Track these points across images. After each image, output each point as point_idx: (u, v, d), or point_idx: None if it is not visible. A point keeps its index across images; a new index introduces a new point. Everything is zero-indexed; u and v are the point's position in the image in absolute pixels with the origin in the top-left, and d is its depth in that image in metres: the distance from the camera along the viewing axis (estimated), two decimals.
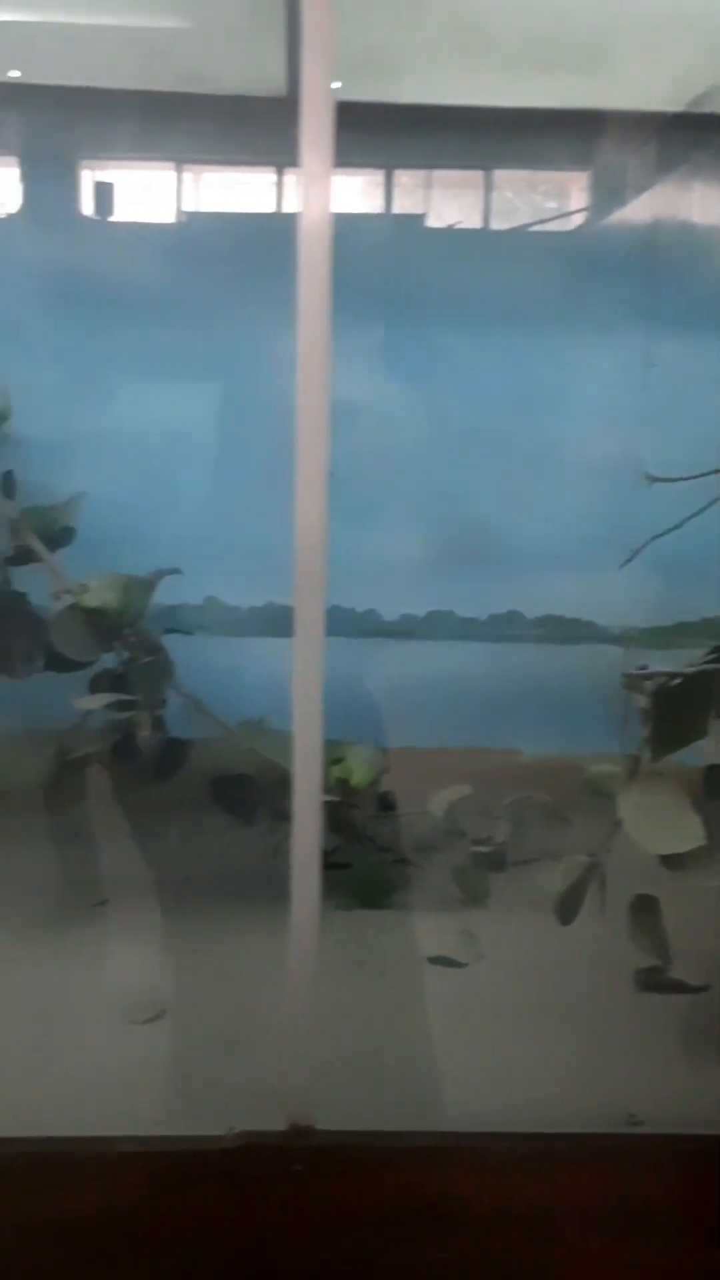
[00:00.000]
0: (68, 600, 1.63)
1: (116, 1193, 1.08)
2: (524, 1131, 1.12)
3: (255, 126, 1.91)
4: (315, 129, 0.97)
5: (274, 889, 1.72)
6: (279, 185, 2.01)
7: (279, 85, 1.90)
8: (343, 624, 1.87)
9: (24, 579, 1.72)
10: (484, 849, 1.69)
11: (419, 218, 2.10)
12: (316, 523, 1.02)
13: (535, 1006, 1.40)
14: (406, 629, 1.97)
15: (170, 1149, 1.09)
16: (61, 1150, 1.07)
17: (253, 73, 1.91)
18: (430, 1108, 1.20)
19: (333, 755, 1.68)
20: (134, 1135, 1.09)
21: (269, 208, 2.02)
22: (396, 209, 2.06)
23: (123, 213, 1.97)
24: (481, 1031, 1.35)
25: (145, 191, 2.04)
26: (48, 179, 1.95)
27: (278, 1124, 1.11)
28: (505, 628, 1.98)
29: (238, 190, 2.13)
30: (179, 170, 2.01)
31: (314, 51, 0.98)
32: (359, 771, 1.65)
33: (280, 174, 2.02)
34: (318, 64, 0.97)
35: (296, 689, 1.04)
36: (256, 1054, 1.27)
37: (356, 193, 2.04)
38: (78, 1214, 1.07)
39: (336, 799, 1.69)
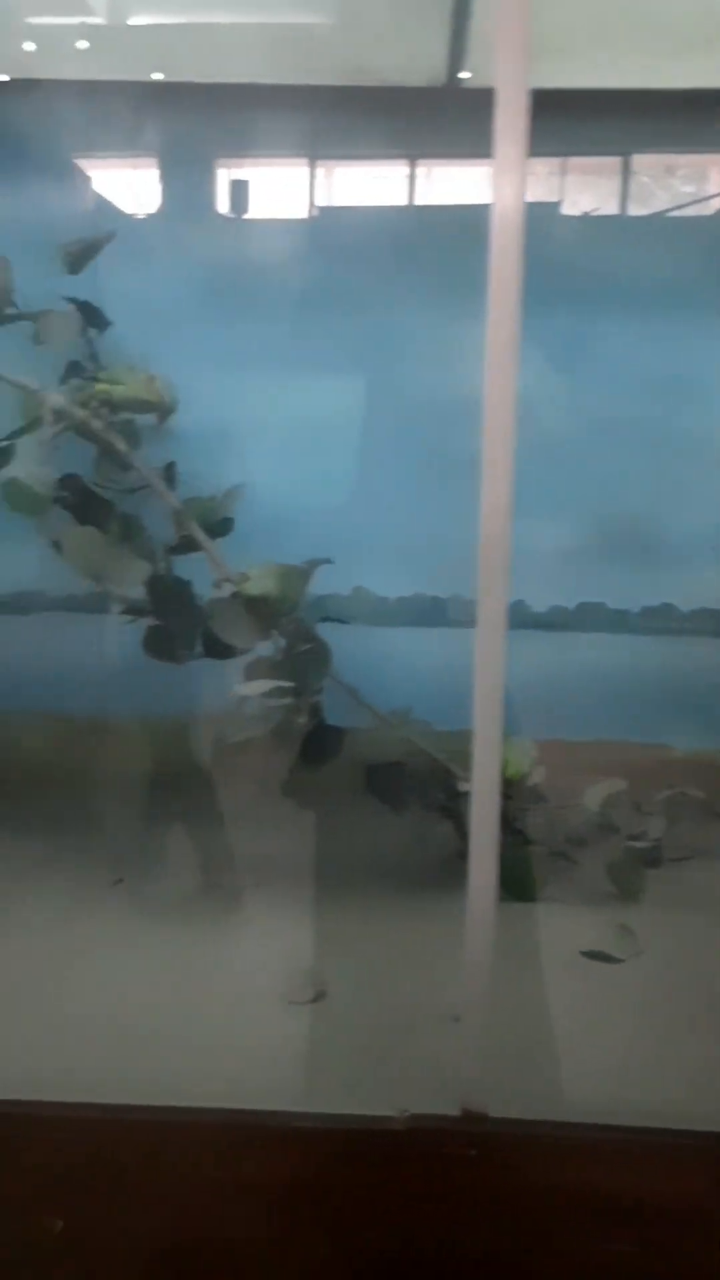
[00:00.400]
0: (228, 588, 1.67)
1: (295, 1165, 1.11)
2: (696, 1130, 1.11)
3: (411, 117, 1.92)
4: (509, 119, 0.97)
5: (424, 876, 1.75)
6: (434, 177, 2.01)
7: (438, 75, 1.91)
8: None
9: (180, 567, 1.77)
10: (640, 844, 1.67)
11: (553, 205, 2.07)
12: (501, 516, 1.02)
13: (701, 1003, 1.38)
14: (557, 621, 1.96)
15: (343, 1126, 1.12)
16: (249, 1122, 1.10)
17: (408, 63, 1.92)
18: (599, 1100, 1.19)
19: None
20: (312, 1112, 1.12)
21: (425, 200, 2.01)
22: (532, 197, 2.04)
23: (273, 208, 2.00)
24: (646, 1027, 1.34)
25: (294, 187, 2.06)
26: (203, 176, 1.99)
27: (449, 1108, 1.12)
28: (658, 620, 1.94)
29: (395, 183, 2.14)
30: (319, 165, 2.02)
31: (508, 41, 0.97)
32: (514, 763, 1.65)
33: (437, 165, 2.02)
34: (512, 54, 0.97)
35: (478, 683, 1.05)
36: (425, 1038, 1.29)
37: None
38: (258, 1182, 1.11)
39: None
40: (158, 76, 1.92)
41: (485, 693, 1.05)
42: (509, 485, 1.03)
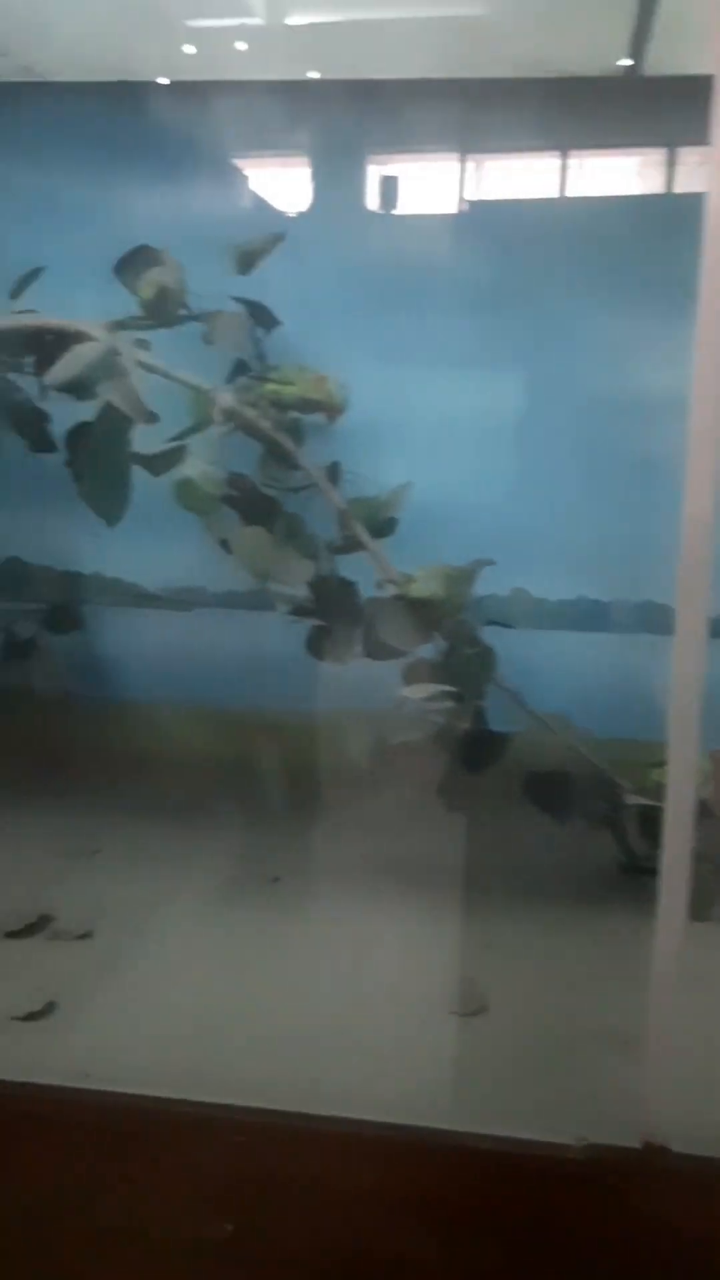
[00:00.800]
0: (391, 589, 1.65)
1: (464, 1187, 1.08)
2: None
3: (574, 108, 1.86)
4: None
5: (584, 888, 1.70)
6: (586, 169, 1.95)
7: (609, 64, 1.85)
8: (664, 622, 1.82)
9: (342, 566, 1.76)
10: None
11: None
12: (703, 523, 0.97)
13: None
14: None
15: (516, 1151, 1.08)
16: (417, 1139, 1.08)
17: (579, 53, 1.86)
18: None
19: (655, 758, 1.61)
20: (483, 1133, 1.09)
21: (581, 192, 1.95)
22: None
23: (427, 203, 1.97)
24: None
25: (448, 182, 2.02)
26: (358, 173, 1.98)
27: (629, 1140, 1.07)
28: None
29: (548, 175, 2.08)
30: (470, 159, 1.98)
31: None
32: None
33: (590, 156, 1.96)
34: None
35: (675, 694, 1.00)
36: (594, 1061, 1.24)
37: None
38: (424, 1201, 1.08)
39: (654, 803, 1.63)
40: (314, 75, 1.91)
41: (682, 707, 1.00)
42: (711, 491, 0.98)
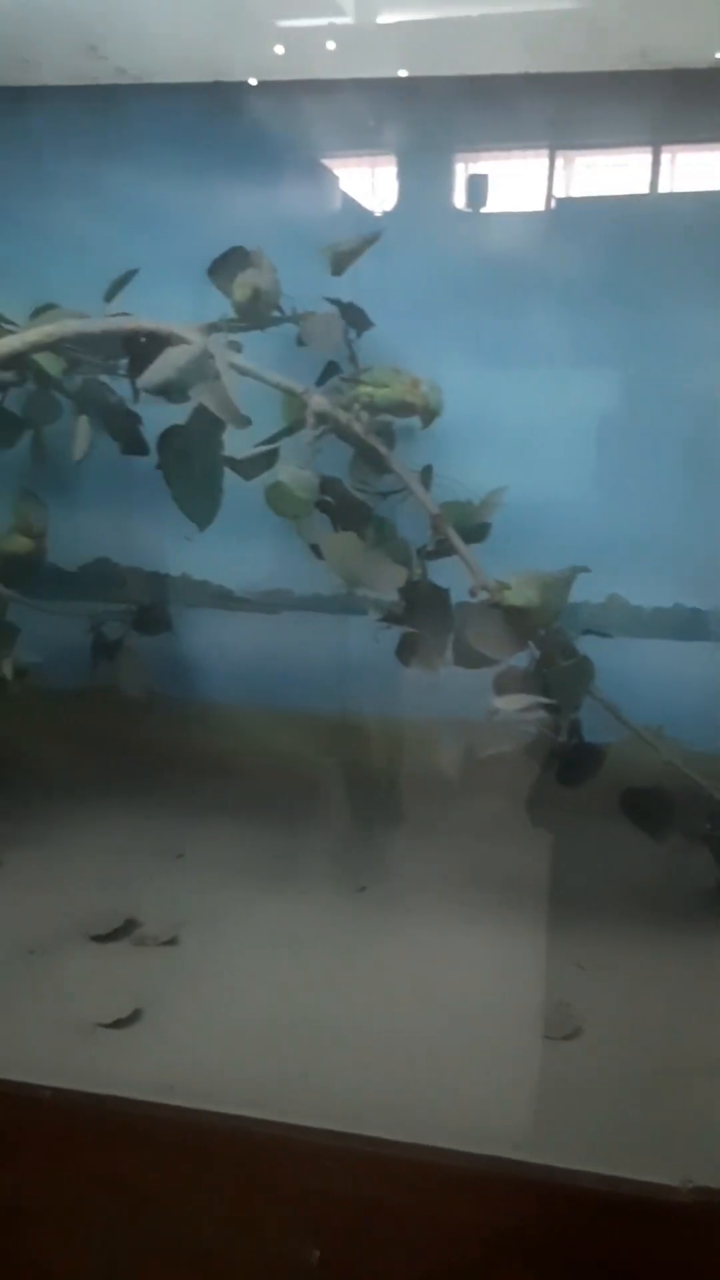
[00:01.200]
0: (483, 596, 1.61)
1: (562, 1225, 1.04)
2: None
3: (680, 101, 1.79)
4: None
5: (681, 908, 1.64)
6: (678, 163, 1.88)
7: (710, 57, 1.78)
8: None
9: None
10: None
11: None
12: None
13: None
14: None
15: (619, 1191, 1.04)
16: (513, 1173, 1.04)
17: (684, 46, 1.79)
18: None
19: None
20: (584, 1170, 1.04)
21: (698, 186, 1.88)
22: None
23: (516, 201, 1.92)
24: None
25: (535, 179, 1.97)
26: (446, 171, 1.94)
27: None
28: None
29: (637, 171, 2.02)
30: (559, 155, 1.93)
31: None
32: None
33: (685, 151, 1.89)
34: None
35: None
36: (696, 1094, 1.19)
37: None
38: (519, 1238, 1.05)
39: None
40: (403, 73, 1.88)
41: None
42: None
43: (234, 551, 1.92)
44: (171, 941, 1.55)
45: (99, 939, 1.55)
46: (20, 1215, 1.15)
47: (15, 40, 1.74)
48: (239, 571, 2.01)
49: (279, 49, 1.84)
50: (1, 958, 1.49)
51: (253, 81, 1.88)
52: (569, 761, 1.60)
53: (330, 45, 1.85)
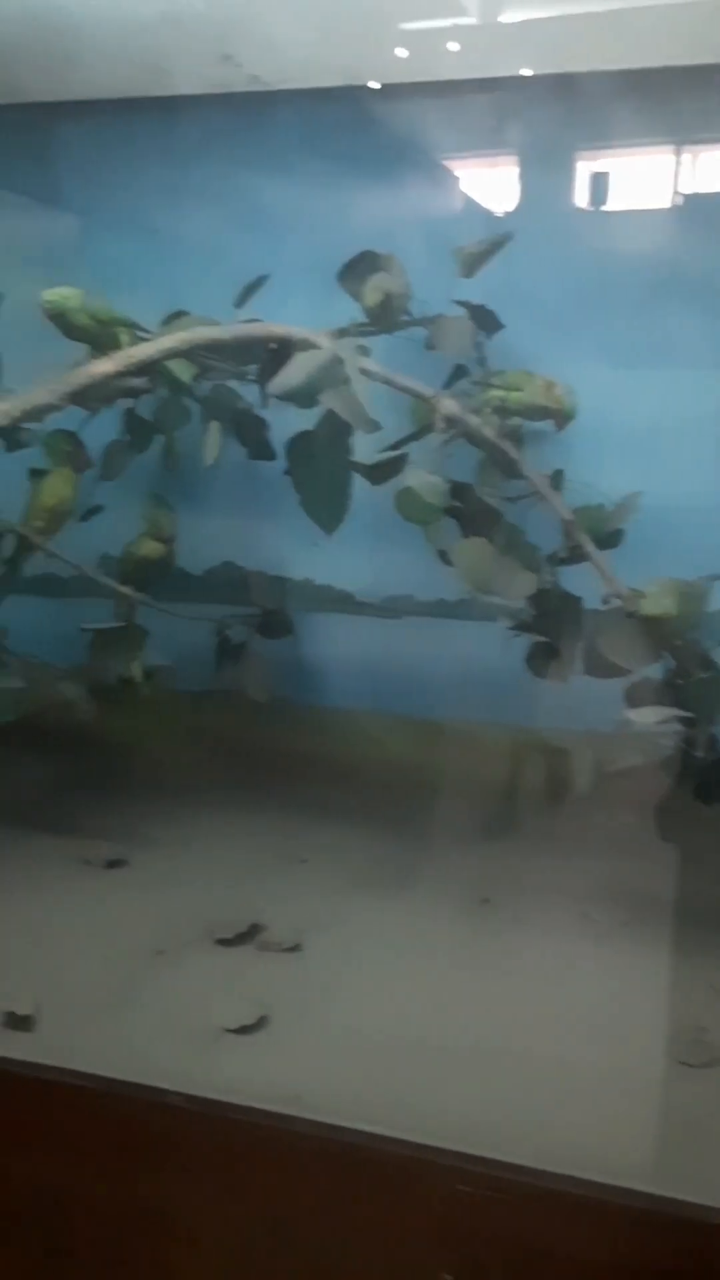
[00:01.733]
0: (616, 604, 1.56)
1: (690, 1260, 1.00)
2: None
3: None
4: None
5: None
6: None
7: None
8: None
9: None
10: None
11: None
12: None
13: None
14: None
15: None
16: (655, 1209, 1.00)
17: None
18: None
19: None
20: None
21: None
22: None
23: (641, 198, 1.86)
24: None
25: (660, 175, 1.90)
26: (568, 170, 1.89)
27: None
28: None
29: None
30: (684, 150, 1.86)
31: None
32: None
33: None
34: None
35: None
36: None
37: None
38: (642, 1271, 1.00)
39: None
40: (526, 72, 1.84)
41: None
42: None
43: (356, 556, 1.91)
44: (295, 948, 1.55)
45: (224, 942, 1.56)
46: (152, 1219, 1.16)
47: (152, 50, 1.76)
48: (361, 576, 2.00)
49: (401, 52, 1.83)
50: (130, 957, 1.51)
51: (376, 85, 1.86)
52: (706, 778, 1.54)
53: (453, 46, 1.83)
